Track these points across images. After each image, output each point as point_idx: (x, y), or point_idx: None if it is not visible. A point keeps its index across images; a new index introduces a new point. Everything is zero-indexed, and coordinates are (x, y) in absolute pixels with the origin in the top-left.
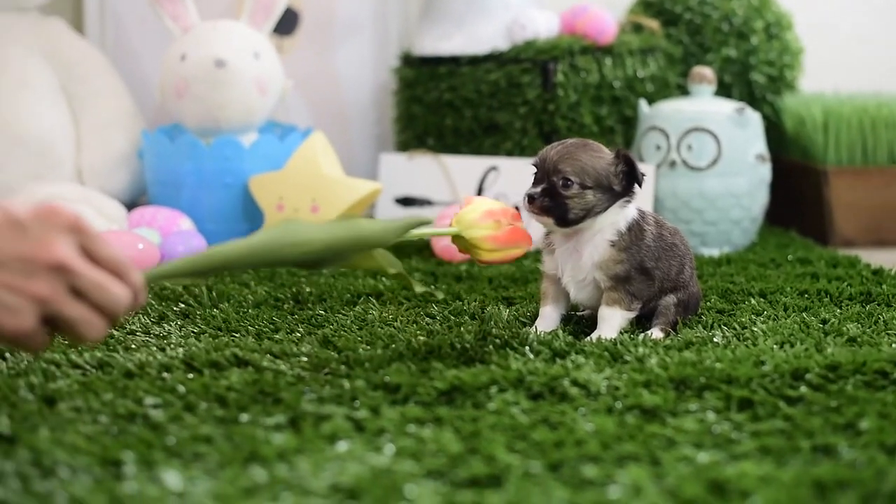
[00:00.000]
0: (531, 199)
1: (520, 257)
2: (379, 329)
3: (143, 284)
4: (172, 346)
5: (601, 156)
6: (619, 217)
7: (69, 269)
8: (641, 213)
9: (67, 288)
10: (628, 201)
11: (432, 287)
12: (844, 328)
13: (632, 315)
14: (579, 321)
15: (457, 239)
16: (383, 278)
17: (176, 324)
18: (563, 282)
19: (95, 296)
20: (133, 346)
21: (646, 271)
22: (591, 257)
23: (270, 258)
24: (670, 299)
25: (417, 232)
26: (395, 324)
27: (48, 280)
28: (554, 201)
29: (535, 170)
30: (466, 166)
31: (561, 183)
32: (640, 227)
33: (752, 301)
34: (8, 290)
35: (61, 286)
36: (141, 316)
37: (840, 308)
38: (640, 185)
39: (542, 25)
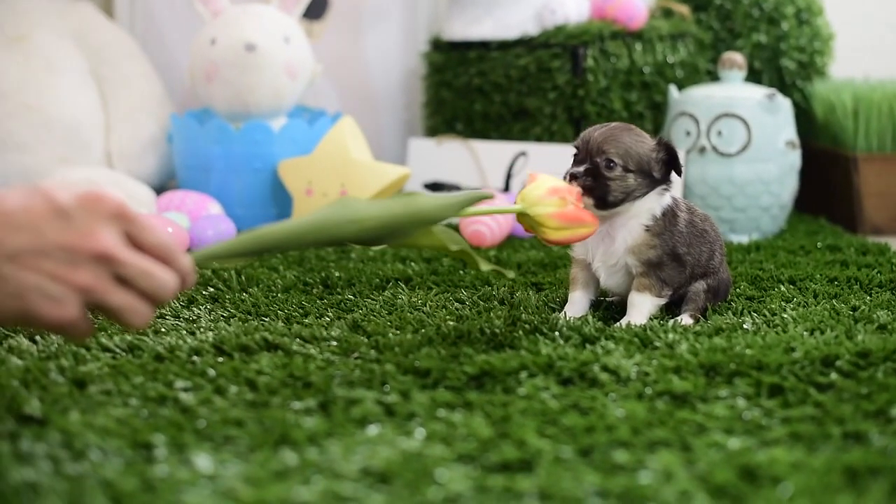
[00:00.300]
0: (574, 177)
1: (585, 237)
2: (408, 314)
3: (191, 267)
4: (202, 329)
5: (644, 141)
6: (655, 203)
7: (113, 258)
8: (675, 200)
9: (112, 276)
10: (666, 189)
11: (498, 266)
12: (874, 315)
13: (662, 301)
14: (609, 307)
15: (521, 217)
16: (412, 262)
17: (205, 308)
18: (593, 267)
19: (141, 283)
20: (163, 329)
21: (677, 257)
22: (625, 241)
23: (327, 236)
24: (700, 285)
25: (476, 209)
26: (425, 308)
27: (92, 269)
28: (596, 181)
29: (575, 151)
30: (495, 151)
31: (604, 164)
32: (674, 213)
33: (782, 288)
34: (51, 279)
35: (106, 275)
36: (170, 300)
37: (870, 295)
38: (679, 175)
39: (573, 10)
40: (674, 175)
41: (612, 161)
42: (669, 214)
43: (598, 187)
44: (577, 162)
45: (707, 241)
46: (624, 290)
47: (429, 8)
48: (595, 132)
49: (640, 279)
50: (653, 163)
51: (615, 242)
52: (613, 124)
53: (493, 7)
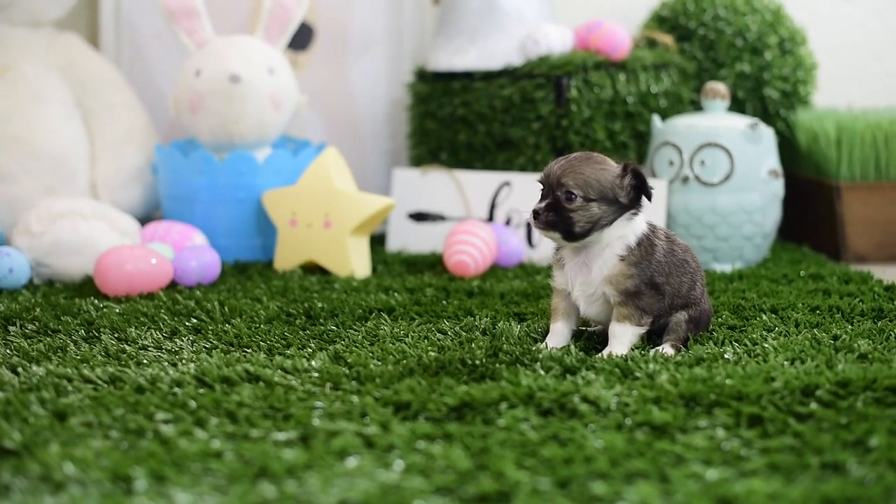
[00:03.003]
0: (536, 214)
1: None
2: (390, 345)
3: None
4: (184, 361)
5: (606, 168)
6: (627, 231)
7: None
8: (652, 228)
9: None
10: (635, 214)
11: None
12: (855, 344)
13: (642, 331)
14: (590, 336)
15: None
16: (395, 293)
17: (188, 339)
18: (573, 296)
19: None
20: (145, 361)
21: (656, 286)
22: (601, 271)
23: None
24: (681, 316)
25: None
26: (407, 339)
27: None
28: (559, 215)
29: (541, 186)
30: (480, 181)
31: (564, 196)
32: (651, 243)
33: (764, 317)
34: None
35: None
36: (153, 331)
37: (851, 324)
38: (649, 199)
39: (556, 41)
40: (648, 200)
41: (572, 193)
42: (646, 244)
43: (562, 221)
44: (541, 197)
45: (688, 271)
46: (604, 318)
47: (413, 39)
48: (555, 166)
49: (619, 308)
50: (617, 189)
51: (592, 272)
52: (574, 155)
53: (477, 38)
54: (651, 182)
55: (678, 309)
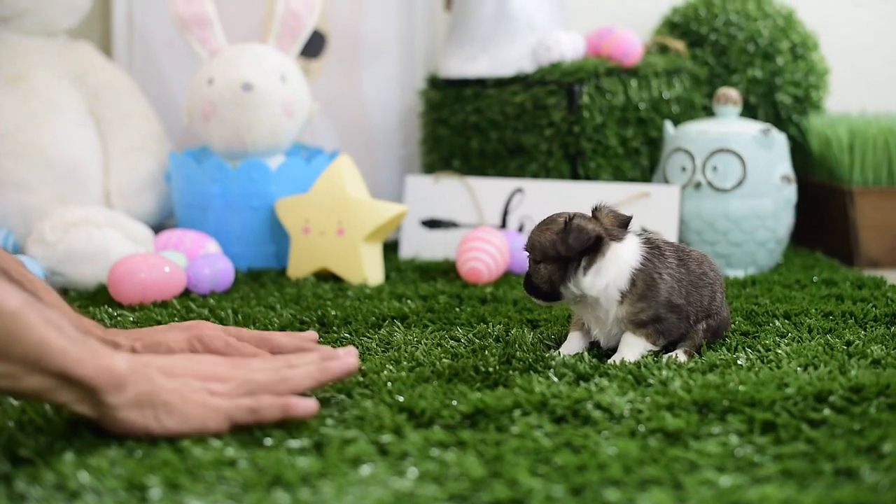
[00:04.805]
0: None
1: None
2: (404, 352)
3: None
4: None
5: (551, 228)
6: (611, 275)
7: None
8: (651, 257)
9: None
10: (591, 261)
11: None
12: (869, 350)
13: (655, 348)
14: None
15: None
16: (409, 300)
17: None
18: (592, 334)
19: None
20: None
21: (676, 308)
22: (609, 315)
23: None
24: (700, 325)
25: None
26: (420, 346)
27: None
28: (528, 280)
29: None
30: (492, 188)
31: (528, 263)
32: (651, 276)
33: (777, 323)
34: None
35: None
36: None
37: (865, 330)
38: (572, 251)
39: (568, 47)
40: (669, 207)
41: (528, 257)
42: (642, 278)
43: (530, 285)
44: None
45: (707, 283)
46: None
47: (425, 46)
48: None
49: (637, 329)
50: (558, 246)
51: (600, 318)
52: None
53: (488, 45)
54: (584, 229)
55: (700, 321)
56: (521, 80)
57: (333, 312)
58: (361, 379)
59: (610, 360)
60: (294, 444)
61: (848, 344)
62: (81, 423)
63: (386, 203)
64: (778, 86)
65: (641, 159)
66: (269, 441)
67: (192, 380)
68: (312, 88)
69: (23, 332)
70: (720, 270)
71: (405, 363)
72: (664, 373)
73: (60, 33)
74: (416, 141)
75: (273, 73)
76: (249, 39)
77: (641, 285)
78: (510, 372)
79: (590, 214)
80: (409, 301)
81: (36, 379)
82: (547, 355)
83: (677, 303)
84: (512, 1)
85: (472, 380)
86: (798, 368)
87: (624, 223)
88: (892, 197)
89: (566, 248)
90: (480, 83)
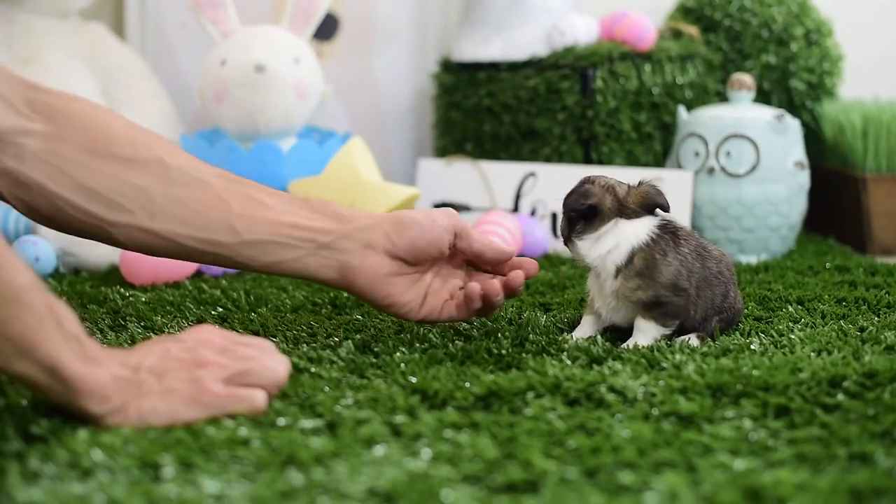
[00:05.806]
0: None
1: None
2: (416, 334)
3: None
4: None
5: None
6: (610, 246)
7: None
8: (657, 240)
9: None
10: (599, 225)
11: None
12: (882, 336)
13: (667, 331)
14: (618, 328)
15: None
16: None
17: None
18: (595, 307)
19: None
20: None
21: (682, 290)
22: (606, 287)
23: None
24: (712, 320)
25: None
26: (433, 329)
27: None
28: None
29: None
30: (504, 172)
31: None
32: (651, 255)
33: (790, 308)
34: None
35: None
36: (179, 319)
37: (878, 316)
38: (565, 210)
39: (582, 31)
40: (682, 192)
41: None
42: (644, 256)
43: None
44: None
45: (722, 282)
46: (631, 321)
47: (438, 29)
48: None
49: (644, 312)
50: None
51: (602, 287)
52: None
53: (502, 28)
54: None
55: (711, 318)
56: (534, 64)
57: (346, 295)
58: (375, 360)
59: (623, 345)
60: (307, 424)
61: (861, 330)
62: None
63: (398, 186)
64: (792, 72)
65: (654, 144)
66: (282, 421)
67: (182, 372)
68: (325, 71)
69: (23, 311)
70: (731, 256)
71: (418, 345)
72: (677, 357)
73: (73, 14)
74: (429, 124)
75: (286, 55)
76: (263, 21)
77: (640, 263)
78: (523, 354)
79: (626, 186)
80: None
81: (27, 365)
82: (560, 338)
83: (683, 286)
84: None
85: (485, 362)
86: (812, 354)
87: (649, 207)
88: None
89: (563, 206)
90: (494, 67)
